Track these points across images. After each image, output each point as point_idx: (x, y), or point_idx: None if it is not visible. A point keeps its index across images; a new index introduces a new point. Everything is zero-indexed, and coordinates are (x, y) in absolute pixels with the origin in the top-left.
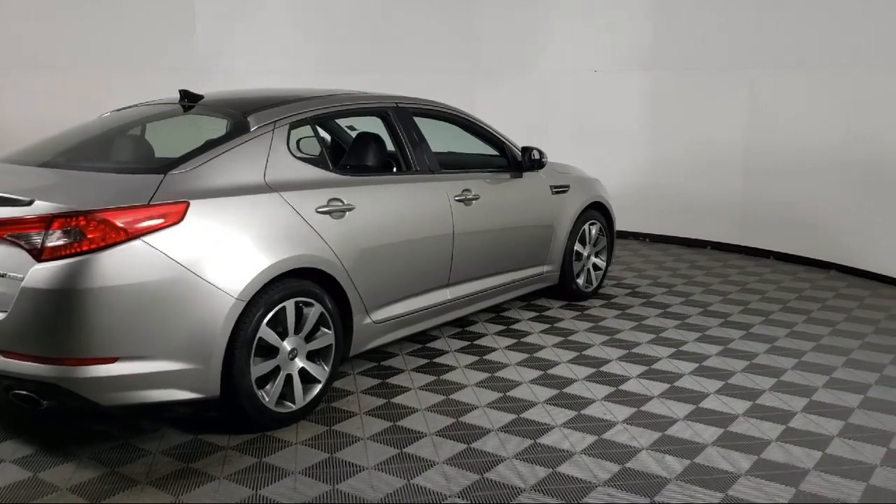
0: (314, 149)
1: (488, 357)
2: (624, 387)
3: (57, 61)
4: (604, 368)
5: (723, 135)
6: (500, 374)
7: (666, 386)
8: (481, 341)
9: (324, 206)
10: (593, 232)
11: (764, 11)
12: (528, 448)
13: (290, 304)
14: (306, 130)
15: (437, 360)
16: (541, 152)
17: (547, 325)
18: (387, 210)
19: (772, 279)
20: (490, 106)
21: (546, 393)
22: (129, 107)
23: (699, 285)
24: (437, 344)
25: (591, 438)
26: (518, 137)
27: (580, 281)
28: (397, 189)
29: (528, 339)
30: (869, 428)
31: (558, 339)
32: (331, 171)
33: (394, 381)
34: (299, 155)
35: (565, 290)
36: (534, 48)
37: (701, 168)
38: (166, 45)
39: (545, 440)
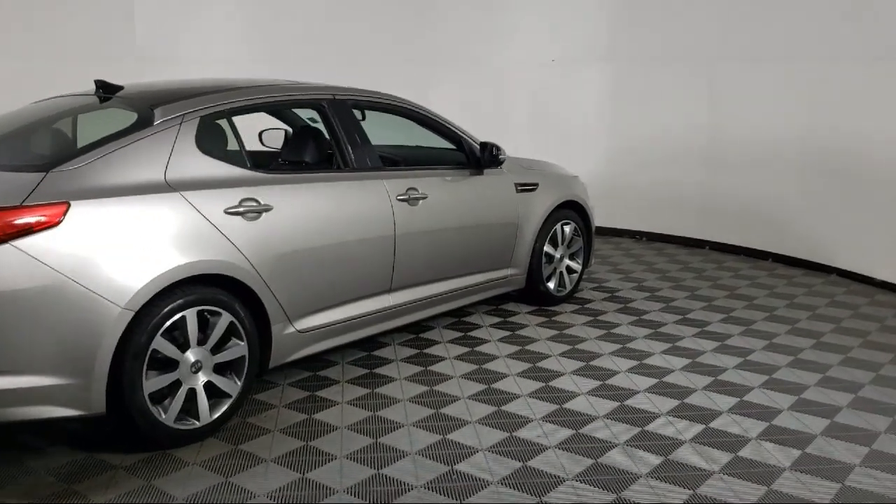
0: (275, 143)
1: (434, 367)
2: (570, 405)
3: None
4: (554, 383)
5: (682, 127)
6: (439, 387)
7: (614, 405)
8: (433, 349)
9: (234, 207)
10: (567, 232)
11: (724, 4)
12: (446, 473)
13: (191, 314)
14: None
15: (378, 370)
16: (497, 148)
17: (507, 333)
18: (312, 211)
19: (765, 284)
20: (446, 98)
21: (483, 410)
22: (47, 99)
23: (684, 289)
24: (383, 352)
25: (515, 464)
26: (475, 130)
27: (551, 285)
28: (326, 188)
29: (482, 349)
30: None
31: (514, 348)
32: (248, 168)
33: (298, 401)
34: (235, 149)
35: (534, 294)
36: (490, 38)
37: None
38: (102, 30)
39: (464, 467)
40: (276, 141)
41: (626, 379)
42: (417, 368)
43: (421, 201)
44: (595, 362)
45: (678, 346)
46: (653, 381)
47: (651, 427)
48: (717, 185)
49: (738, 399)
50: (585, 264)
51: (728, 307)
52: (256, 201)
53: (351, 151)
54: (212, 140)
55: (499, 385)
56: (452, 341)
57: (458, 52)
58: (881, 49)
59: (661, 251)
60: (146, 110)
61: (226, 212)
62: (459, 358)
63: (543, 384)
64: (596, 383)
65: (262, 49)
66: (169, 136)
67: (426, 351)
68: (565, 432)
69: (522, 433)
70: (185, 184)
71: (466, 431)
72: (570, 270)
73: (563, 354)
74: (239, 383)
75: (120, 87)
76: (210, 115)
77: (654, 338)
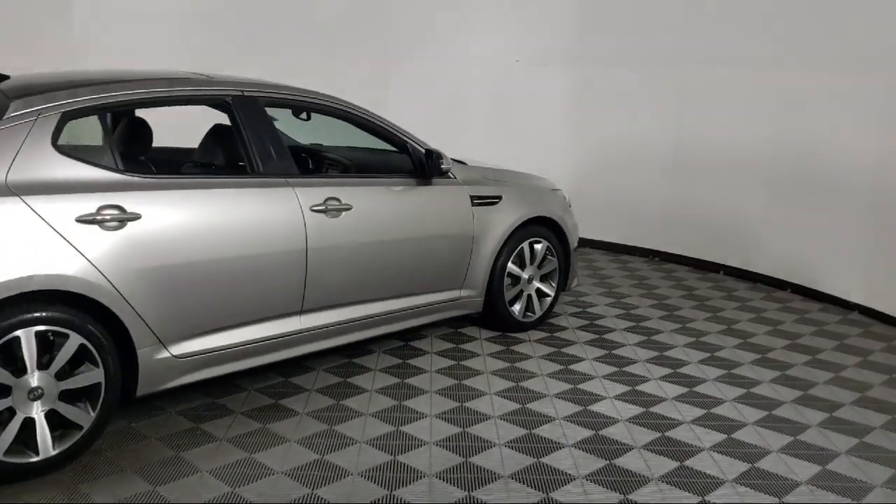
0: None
1: (346, 402)
2: (476, 458)
3: None
4: (472, 429)
5: (650, 130)
6: (341, 427)
7: (527, 463)
8: (358, 379)
9: (89, 215)
10: (537, 251)
11: (692, 7)
12: None
13: (27, 334)
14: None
15: (283, 401)
16: (440, 156)
17: (450, 363)
18: (191, 221)
19: (769, 318)
20: (403, 98)
21: (378, 457)
22: None
23: (677, 320)
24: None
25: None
26: (433, 132)
27: (516, 309)
28: (212, 195)
29: (413, 381)
30: None
31: (450, 382)
32: (118, 171)
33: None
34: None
35: (496, 319)
36: (451, 36)
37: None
38: (39, 17)
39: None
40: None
41: (555, 430)
42: (329, 401)
43: (344, 213)
44: (532, 405)
45: (638, 389)
46: (588, 432)
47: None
48: (685, 194)
49: (677, 465)
50: (562, 287)
51: (739, 340)
52: (120, 209)
53: (257, 155)
54: (75, 139)
55: (408, 429)
56: (388, 370)
57: (417, 49)
58: (859, 55)
59: (666, 271)
60: (3, 102)
61: (78, 220)
62: (384, 391)
63: (460, 430)
64: (521, 432)
65: (210, 39)
66: (19, 132)
67: (351, 380)
68: (458, 493)
69: (404, 492)
70: (30, 187)
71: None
72: (541, 294)
73: (501, 393)
74: (93, 413)
75: (6, 77)
76: (75, 111)
77: (616, 379)
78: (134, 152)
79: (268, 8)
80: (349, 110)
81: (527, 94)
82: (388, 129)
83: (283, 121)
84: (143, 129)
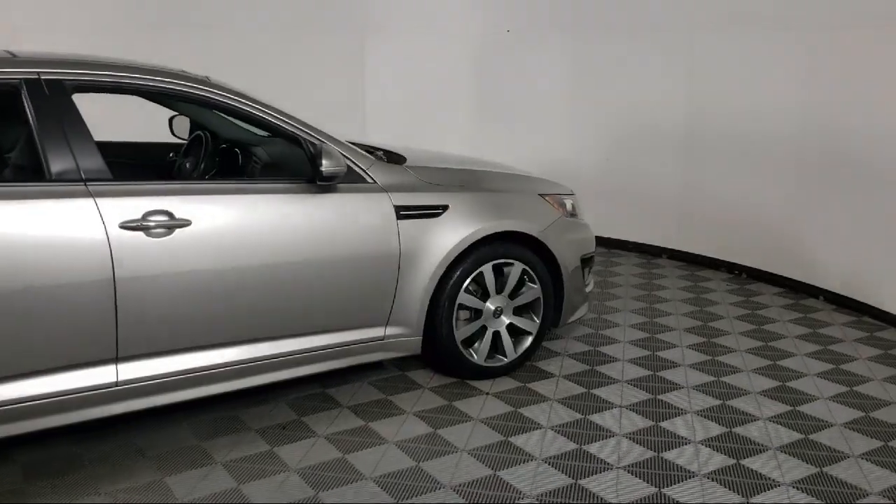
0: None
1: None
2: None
3: None
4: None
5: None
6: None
7: None
8: (213, 445)
9: None
10: (509, 276)
11: None
12: None
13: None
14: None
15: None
16: (320, 154)
17: (356, 425)
18: None
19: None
20: (380, 72)
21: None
22: None
23: (705, 357)
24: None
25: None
26: (413, 110)
27: (476, 349)
28: None
29: (285, 454)
30: None
31: (333, 455)
32: None
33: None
34: None
35: (447, 362)
36: (435, 4)
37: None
38: None
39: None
40: (183, 129)
41: None
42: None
43: (177, 231)
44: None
45: (581, 487)
46: None
47: None
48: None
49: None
50: (552, 322)
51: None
52: None
53: (47, 154)
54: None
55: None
56: (274, 428)
57: (396, 17)
58: None
59: (686, 273)
60: None
61: None
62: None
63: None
64: None
65: (148, 13)
66: None
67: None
68: None
69: None
70: None
71: None
72: (514, 332)
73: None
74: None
75: None
76: None
77: (563, 461)
78: None
79: None
80: (213, 95)
81: (517, 69)
82: (273, 117)
83: None
84: None
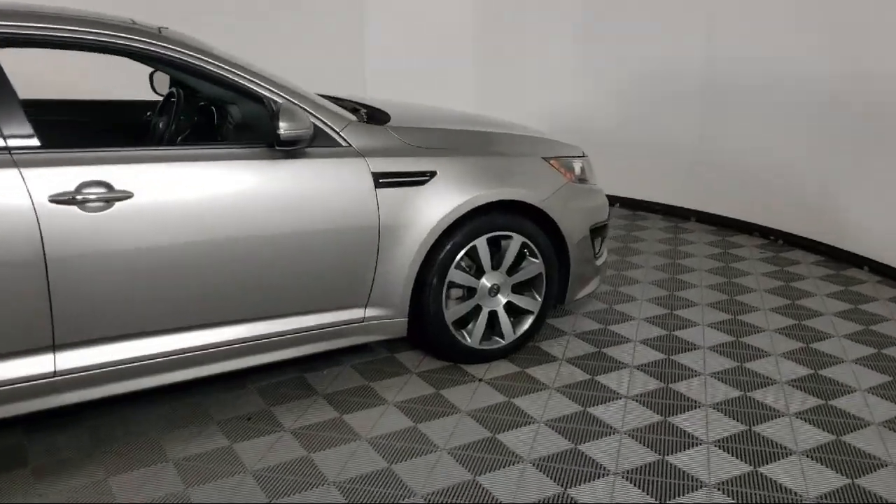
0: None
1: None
2: None
3: None
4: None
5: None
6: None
7: None
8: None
9: None
10: (507, 251)
11: None
12: None
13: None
14: None
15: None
16: (280, 114)
17: (329, 417)
18: None
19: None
20: (384, 28)
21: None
22: None
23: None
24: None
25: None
26: (416, 69)
27: (469, 331)
28: None
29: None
30: None
31: (297, 454)
32: None
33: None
34: None
35: (437, 345)
36: None
37: None
38: None
39: None
40: (164, 86)
41: None
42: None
43: (116, 204)
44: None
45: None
46: None
47: None
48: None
49: None
50: (556, 300)
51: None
52: None
53: None
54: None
55: None
56: (228, 421)
57: None
58: None
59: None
60: None
61: None
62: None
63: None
64: None
65: None
66: None
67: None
68: None
69: None
70: None
71: None
72: (514, 311)
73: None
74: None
75: None
76: None
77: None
78: None
79: None
80: (163, 51)
81: (525, 21)
82: (231, 73)
83: None
84: None
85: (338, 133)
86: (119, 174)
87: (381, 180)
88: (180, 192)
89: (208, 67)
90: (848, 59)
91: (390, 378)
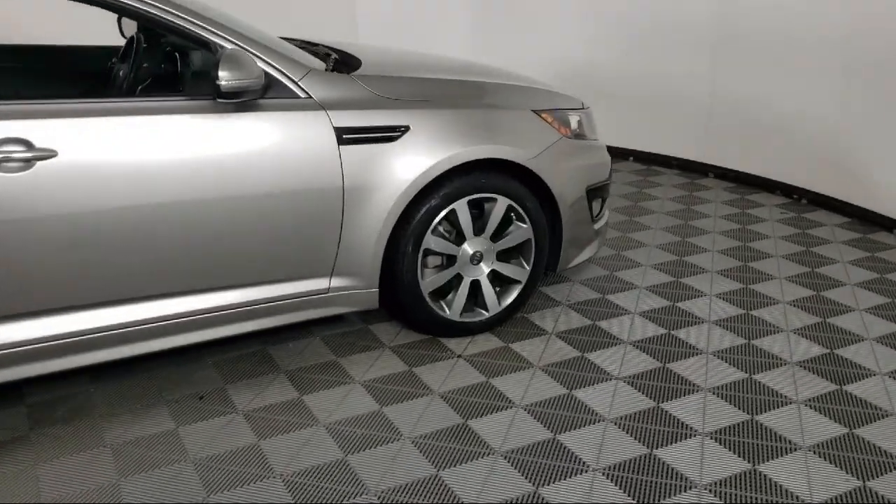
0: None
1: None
2: None
3: None
4: None
5: None
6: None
7: None
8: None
9: None
10: (490, 215)
11: None
12: None
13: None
14: None
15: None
16: (220, 63)
17: (287, 398)
18: None
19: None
20: None
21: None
22: None
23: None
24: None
25: None
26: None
27: (448, 302)
28: None
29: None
30: None
31: (245, 441)
32: None
33: None
34: None
35: (413, 318)
36: None
37: None
38: None
39: None
40: (131, 28)
41: None
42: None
43: (38, 164)
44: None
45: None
46: None
47: None
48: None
49: None
50: (546, 266)
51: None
52: None
53: None
54: None
55: None
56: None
57: None
58: None
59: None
60: None
61: None
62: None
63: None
64: None
65: None
66: None
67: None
68: None
69: None
70: None
71: None
72: (499, 280)
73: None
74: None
75: None
76: None
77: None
78: None
79: None
80: None
81: None
82: (168, 13)
83: None
84: None
85: (296, 83)
86: (41, 130)
87: (345, 136)
88: (111, 151)
89: (141, 7)
90: None
91: (361, 353)
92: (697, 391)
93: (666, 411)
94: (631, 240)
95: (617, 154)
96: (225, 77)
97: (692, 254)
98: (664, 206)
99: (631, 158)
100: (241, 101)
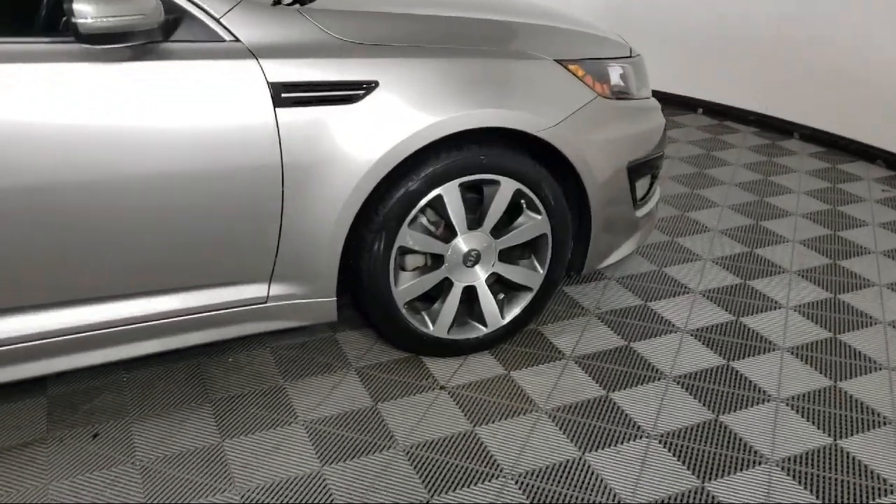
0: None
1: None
2: None
3: None
4: None
5: None
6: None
7: None
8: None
9: None
10: (491, 204)
11: None
12: None
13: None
14: None
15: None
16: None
17: (205, 444)
18: None
19: None
20: None
21: None
22: None
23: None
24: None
25: None
26: None
27: (433, 314)
28: None
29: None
30: None
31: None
32: None
33: None
34: None
35: (387, 335)
36: None
37: None
38: None
39: None
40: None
41: None
42: None
43: None
44: None
45: None
46: None
47: None
48: None
49: None
50: (571, 267)
51: None
52: None
53: None
54: None
55: None
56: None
57: None
58: None
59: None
60: None
61: None
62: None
63: None
64: None
65: None
66: None
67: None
68: None
69: None
70: None
71: None
72: (509, 285)
73: None
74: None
75: None
76: None
77: None
78: None
79: None
80: None
81: None
82: None
83: None
84: None
85: (216, 20)
86: None
87: (283, 94)
88: None
89: None
90: None
91: (317, 376)
92: (762, 463)
93: (708, 490)
94: (689, 221)
95: (682, 105)
96: (81, 12)
97: (765, 245)
98: (735, 176)
99: (700, 111)
100: (128, 45)
